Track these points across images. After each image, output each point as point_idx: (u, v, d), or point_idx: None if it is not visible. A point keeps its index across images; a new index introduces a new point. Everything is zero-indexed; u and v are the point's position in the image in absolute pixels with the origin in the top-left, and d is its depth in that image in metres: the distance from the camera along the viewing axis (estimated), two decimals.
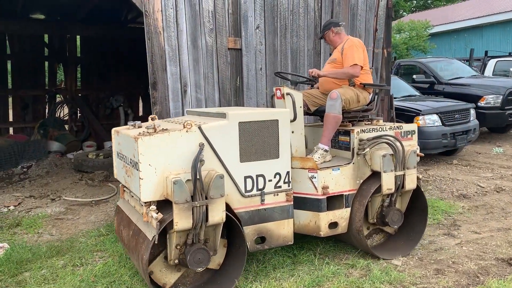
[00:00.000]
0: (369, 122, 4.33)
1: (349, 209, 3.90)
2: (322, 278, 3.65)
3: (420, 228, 4.25)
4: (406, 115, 8.01)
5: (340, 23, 4.55)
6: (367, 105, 4.40)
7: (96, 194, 6.34)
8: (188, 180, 3.08)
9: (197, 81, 5.47)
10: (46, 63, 11.00)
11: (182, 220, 3.02)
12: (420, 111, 7.99)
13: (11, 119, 10.60)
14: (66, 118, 11.38)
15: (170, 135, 3.11)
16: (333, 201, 3.86)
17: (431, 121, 7.88)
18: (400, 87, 9.44)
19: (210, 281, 3.50)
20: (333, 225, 3.84)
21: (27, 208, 5.83)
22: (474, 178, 6.89)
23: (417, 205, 4.25)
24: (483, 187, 6.31)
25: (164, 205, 3.14)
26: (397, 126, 4.12)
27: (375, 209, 4.01)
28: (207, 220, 3.11)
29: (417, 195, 4.20)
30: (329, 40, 4.58)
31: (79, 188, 6.80)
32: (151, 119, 3.58)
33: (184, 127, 3.16)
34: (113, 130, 3.76)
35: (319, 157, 3.97)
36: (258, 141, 3.44)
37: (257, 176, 3.46)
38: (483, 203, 5.68)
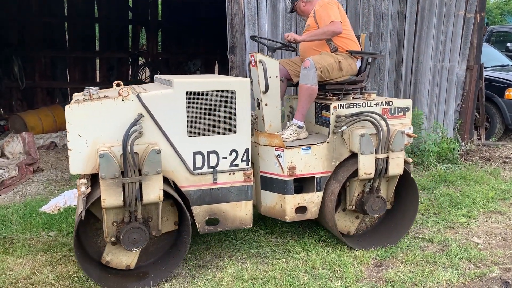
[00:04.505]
0: (360, 96, 3.77)
1: (321, 193, 3.50)
2: (396, 249, 3.58)
3: (408, 219, 3.75)
4: (496, 87, 7.49)
5: None
6: (357, 76, 3.84)
7: None
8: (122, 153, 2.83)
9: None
10: (130, 27, 11.49)
11: (110, 197, 2.78)
12: None
13: (98, 79, 11.30)
14: (147, 80, 11.92)
15: (102, 103, 2.85)
16: (304, 184, 3.52)
17: None
18: (491, 56, 8.81)
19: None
20: (301, 209, 3.49)
21: None
22: None
23: (407, 192, 3.73)
24: None
25: None
26: (386, 102, 3.59)
27: (353, 195, 3.57)
28: (141, 198, 2.87)
29: (407, 181, 3.68)
30: (301, 11, 4.04)
31: None
32: (116, 85, 3.37)
33: (120, 95, 2.88)
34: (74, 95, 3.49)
35: (290, 134, 3.53)
36: (210, 114, 3.08)
37: (209, 152, 3.13)
38: None
